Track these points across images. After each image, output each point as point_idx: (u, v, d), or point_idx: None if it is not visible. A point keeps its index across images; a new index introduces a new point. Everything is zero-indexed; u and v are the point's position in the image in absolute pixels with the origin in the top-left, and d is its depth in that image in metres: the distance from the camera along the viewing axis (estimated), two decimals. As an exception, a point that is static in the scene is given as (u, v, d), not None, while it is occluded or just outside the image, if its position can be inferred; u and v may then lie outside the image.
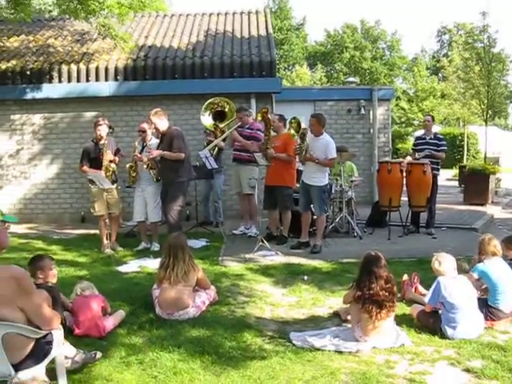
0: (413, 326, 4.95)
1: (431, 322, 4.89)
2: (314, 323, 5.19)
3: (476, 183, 13.14)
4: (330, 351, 4.43)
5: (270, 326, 5.12)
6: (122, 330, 4.92)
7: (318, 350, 4.46)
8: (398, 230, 9.24)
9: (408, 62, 51.70)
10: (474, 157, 28.57)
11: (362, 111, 13.20)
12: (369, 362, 4.24)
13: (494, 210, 12.32)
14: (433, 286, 4.96)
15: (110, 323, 4.87)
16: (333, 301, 5.81)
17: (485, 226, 10.11)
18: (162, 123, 7.95)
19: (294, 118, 8.12)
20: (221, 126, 9.33)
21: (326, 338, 4.65)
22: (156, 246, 8.32)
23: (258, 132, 9.04)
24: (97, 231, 8.79)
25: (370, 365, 4.19)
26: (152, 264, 7.27)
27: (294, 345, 4.58)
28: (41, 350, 3.15)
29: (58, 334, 3.27)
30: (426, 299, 5.04)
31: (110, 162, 8.30)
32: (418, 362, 4.24)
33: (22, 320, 3.01)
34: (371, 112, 13.27)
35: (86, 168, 8.34)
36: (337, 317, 5.32)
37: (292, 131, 8.10)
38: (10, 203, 11.57)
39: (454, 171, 22.16)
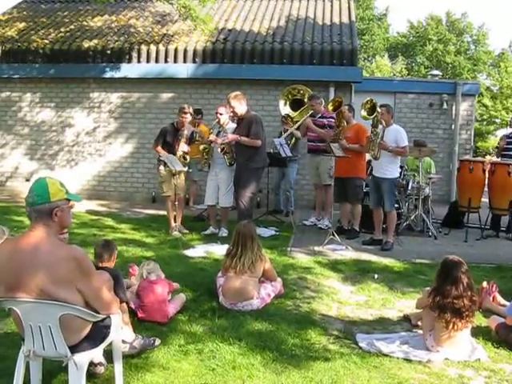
0: (490, 339, 4.53)
1: (511, 337, 4.50)
2: (382, 326, 4.90)
3: None
4: (398, 358, 4.13)
5: (335, 324, 4.88)
6: (183, 316, 4.80)
7: (386, 355, 4.17)
8: (475, 232, 8.74)
9: (494, 57, 49.42)
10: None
11: (445, 106, 12.65)
12: (440, 375, 3.91)
13: None
14: (516, 297, 4.59)
15: (172, 308, 4.78)
16: (403, 303, 5.49)
17: None
18: (241, 107, 7.79)
19: (371, 99, 7.74)
20: (292, 116, 9.10)
21: (395, 343, 4.35)
22: (224, 232, 8.22)
23: (331, 120, 8.76)
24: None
25: (442, 378, 3.87)
26: (219, 250, 7.17)
27: (359, 347, 4.32)
28: (98, 333, 3.05)
29: (116, 319, 3.16)
30: (506, 310, 4.66)
31: (185, 153, 8.28)
32: (495, 381, 3.85)
33: (81, 302, 2.91)
34: (454, 107, 12.69)
35: (159, 149, 8.30)
36: (407, 321, 4.99)
37: (364, 113, 7.74)
38: (84, 179, 11.84)
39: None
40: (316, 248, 7.54)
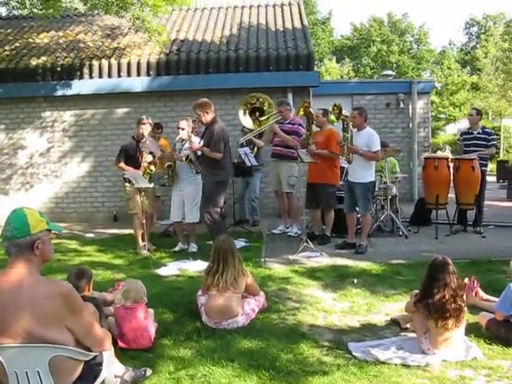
0: (481, 336, 4.49)
1: (503, 332, 4.42)
2: (371, 332, 4.79)
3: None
4: (396, 365, 4.03)
5: (325, 334, 4.74)
6: (167, 340, 4.56)
7: (383, 363, 4.05)
8: (443, 228, 8.78)
9: (436, 55, 50.70)
10: (507, 151, 27.63)
11: (401, 105, 12.78)
12: (441, 378, 3.82)
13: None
14: (504, 292, 4.53)
15: (153, 330, 4.53)
16: (388, 306, 5.42)
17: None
18: (206, 116, 7.55)
19: (336, 104, 7.72)
20: (261, 118, 8.90)
21: (390, 349, 4.25)
22: (194, 247, 8.01)
23: (300, 127, 8.67)
24: (131, 231, 8.49)
25: (444, 381, 3.78)
26: (192, 267, 6.98)
27: (354, 357, 4.19)
28: (91, 372, 2.79)
29: (108, 354, 2.90)
30: (496, 306, 4.61)
31: (150, 163, 8.00)
32: (496, 379, 3.80)
33: (71, 341, 2.65)
34: (410, 106, 12.82)
35: (122, 165, 8.02)
36: (395, 324, 4.91)
37: (332, 117, 7.72)
38: (40, 202, 11.38)
39: (490, 166, 21.45)
40: (290, 256, 7.40)
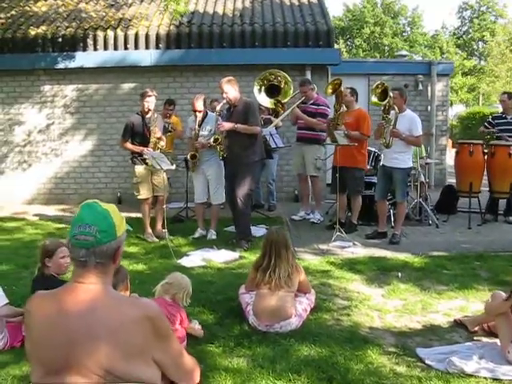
0: None
1: None
2: (437, 335, 4.26)
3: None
4: (486, 379, 3.50)
5: (387, 338, 4.20)
6: (215, 347, 3.95)
7: (470, 376, 3.53)
8: (472, 217, 8.25)
9: (428, 38, 50.20)
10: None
11: (420, 87, 12.16)
12: (543, 396, 3.31)
13: None
14: None
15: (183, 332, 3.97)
16: (444, 305, 4.91)
17: None
18: (235, 93, 6.89)
19: (383, 83, 7.16)
20: (283, 101, 8.27)
21: (473, 359, 3.71)
22: (213, 234, 7.45)
23: (326, 108, 8.10)
24: (138, 214, 7.85)
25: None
26: (217, 257, 6.38)
27: (428, 365, 3.67)
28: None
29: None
30: None
31: (158, 139, 7.33)
32: None
33: (158, 377, 2.00)
34: (429, 88, 12.23)
35: (129, 145, 7.39)
36: (460, 327, 4.38)
37: (374, 99, 7.16)
38: (39, 183, 10.72)
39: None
40: (321, 246, 6.87)
